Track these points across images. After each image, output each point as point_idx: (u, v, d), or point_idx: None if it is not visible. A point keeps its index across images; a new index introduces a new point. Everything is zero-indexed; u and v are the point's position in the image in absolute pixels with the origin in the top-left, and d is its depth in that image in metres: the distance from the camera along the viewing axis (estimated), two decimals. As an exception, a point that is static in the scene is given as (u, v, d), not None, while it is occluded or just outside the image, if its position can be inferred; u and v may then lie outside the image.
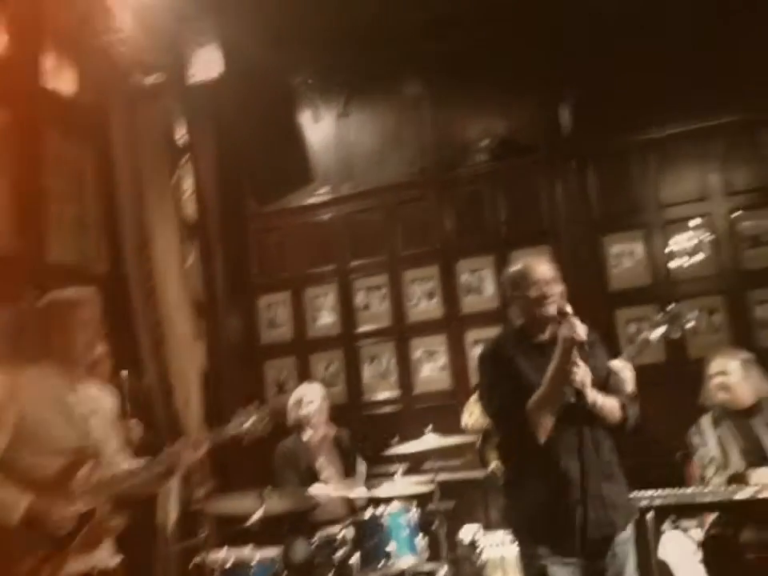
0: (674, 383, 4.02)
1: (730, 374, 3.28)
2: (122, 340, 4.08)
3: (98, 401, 2.51)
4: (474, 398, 3.67)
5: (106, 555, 2.52)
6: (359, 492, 3.79)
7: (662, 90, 4.29)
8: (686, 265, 4.34)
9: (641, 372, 3.30)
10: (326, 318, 5.14)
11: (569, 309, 2.23)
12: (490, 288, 4.75)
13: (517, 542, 2.41)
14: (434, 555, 3.57)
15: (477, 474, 3.93)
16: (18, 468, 2.21)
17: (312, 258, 5.19)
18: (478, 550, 3.73)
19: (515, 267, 2.43)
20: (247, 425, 2.56)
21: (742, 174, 4.35)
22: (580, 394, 2.18)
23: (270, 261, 5.31)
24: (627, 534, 2.33)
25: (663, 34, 4.31)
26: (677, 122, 4.41)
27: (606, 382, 2.35)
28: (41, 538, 2.17)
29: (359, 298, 5.07)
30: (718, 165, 4.35)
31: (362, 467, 3.80)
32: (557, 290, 2.32)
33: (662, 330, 3.15)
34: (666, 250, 4.40)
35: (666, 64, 4.28)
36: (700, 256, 4.32)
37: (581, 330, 2.16)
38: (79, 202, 4.54)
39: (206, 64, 4.31)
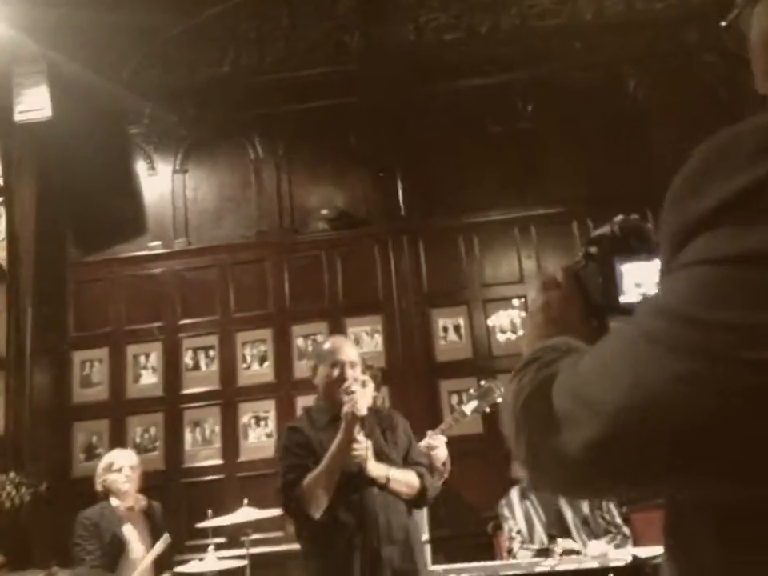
0: (491, 455, 4.21)
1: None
2: None
3: None
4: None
5: None
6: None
7: (488, 180, 4.69)
8: (503, 341, 4.64)
9: (460, 442, 3.46)
10: (148, 378, 4.85)
11: (354, 388, 2.41)
12: (322, 354, 4.76)
13: None
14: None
15: (296, 546, 3.81)
16: None
17: (138, 314, 4.91)
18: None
19: (326, 344, 2.67)
20: (9, 490, 2.35)
21: (554, 260, 4.78)
22: (360, 468, 2.33)
23: (89, 314, 4.95)
24: None
25: (485, 136, 4.76)
26: (497, 210, 4.80)
27: (408, 457, 2.51)
28: None
29: (187, 358, 4.86)
30: (533, 251, 4.76)
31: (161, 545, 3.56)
32: (356, 373, 2.52)
33: (474, 404, 3.34)
34: (487, 326, 4.68)
35: (493, 157, 4.70)
36: (517, 334, 4.63)
37: (361, 406, 2.35)
38: None
39: (35, 104, 4.04)
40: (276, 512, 3.49)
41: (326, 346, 2.65)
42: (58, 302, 4.93)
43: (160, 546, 3.53)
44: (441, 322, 4.73)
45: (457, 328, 4.71)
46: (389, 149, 4.88)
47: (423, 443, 2.87)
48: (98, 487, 3.72)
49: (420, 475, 2.49)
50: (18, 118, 4.18)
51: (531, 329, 0.84)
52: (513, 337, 4.58)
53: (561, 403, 0.60)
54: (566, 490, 1.25)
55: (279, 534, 4.12)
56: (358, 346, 4.72)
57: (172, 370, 4.83)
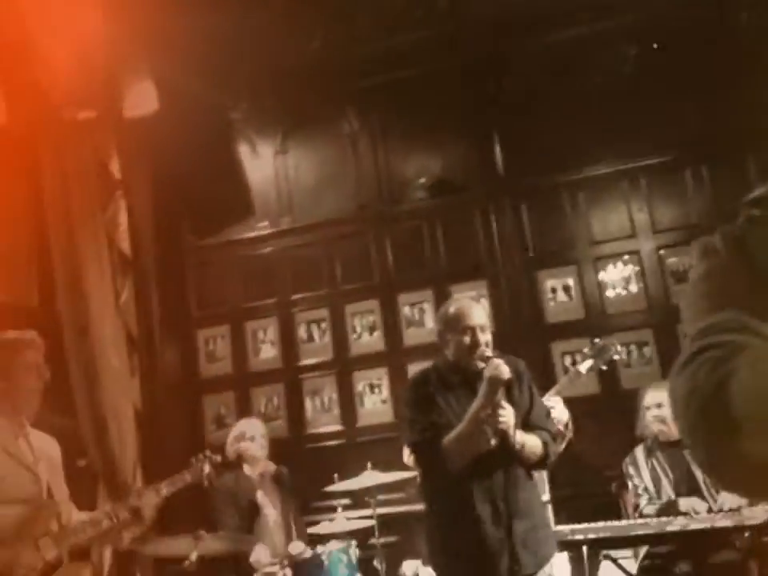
0: (608, 414, 4.15)
1: (662, 407, 3.39)
2: (54, 379, 3.96)
3: (43, 449, 2.45)
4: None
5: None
6: (297, 548, 3.75)
7: (591, 133, 4.50)
8: (616, 299, 4.51)
9: (577, 403, 3.44)
10: (267, 352, 5.10)
11: (490, 353, 2.34)
12: (430, 321, 4.81)
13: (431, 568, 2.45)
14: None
15: (419, 507, 3.93)
16: None
17: (252, 292, 5.15)
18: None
19: (451, 309, 2.49)
20: (207, 472, 2.57)
21: (667, 213, 4.56)
22: (504, 436, 2.25)
23: (208, 294, 5.25)
24: (546, 573, 2.38)
25: (586, 88, 4.54)
26: (605, 163, 4.61)
27: (529, 419, 2.43)
28: None
29: (301, 332, 5.06)
30: (644, 204, 4.55)
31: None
32: (487, 337, 2.41)
33: (589, 363, 3.29)
34: (598, 285, 4.56)
35: (595, 109, 4.49)
36: (630, 290, 4.49)
37: (504, 370, 2.26)
38: (10, 238, 4.41)
39: (142, 99, 4.26)
40: (399, 475, 3.62)
41: (452, 311, 2.48)
42: (180, 286, 5.26)
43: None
44: (549, 283, 4.65)
45: (566, 288, 4.61)
46: (484, 111, 4.79)
47: None
48: (231, 456, 3.98)
49: (545, 443, 2.42)
50: (127, 114, 4.44)
51: (694, 300, 0.77)
52: (625, 293, 4.46)
53: (747, 410, 0.58)
54: (753, 494, 1.23)
55: (400, 495, 4.22)
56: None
57: (288, 342, 5.05)
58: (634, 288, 4.49)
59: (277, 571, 3.31)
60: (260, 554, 3.54)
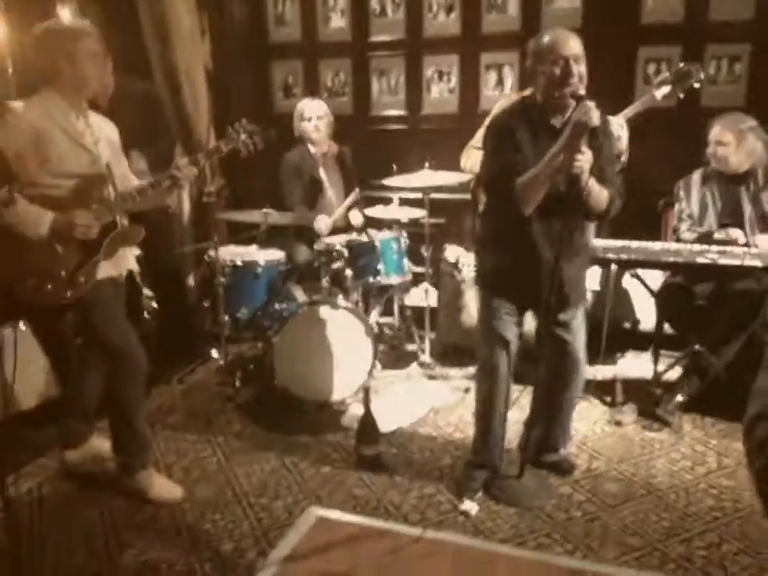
0: (680, 131, 4.01)
1: (727, 145, 3.28)
2: (127, 39, 3.98)
3: (103, 129, 2.63)
4: (472, 142, 3.71)
5: (132, 261, 2.87)
6: (356, 218, 4.10)
7: None
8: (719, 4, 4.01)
9: (650, 116, 3.31)
10: (337, 21, 4.88)
11: (583, 92, 2.23)
12: (514, 7, 4.44)
13: (479, 288, 2.68)
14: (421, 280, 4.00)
15: (467, 195, 4.12)
16: (38, 191, 2.40)
17: (326, -50, 4.73)
18: (459, 267, 4.14)
19: (545, 38, 2.34)
20: (243, 138, 2.73)
21: None
22: (574, 181, 2.25)
23: (279, -52, 4.86)
24: (579, 312, 2.62)
25: None
26: None
27: (601, 172, 2.40)
28: (72, 250, 2.47)
29: (373, 2, 4.76)
30: None
31: (352, 197, 4.03)
32: (581, 69, 2.28)
33: (667, 88, 3.13)
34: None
35: None
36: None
37: (594, 116, 2.17)
38: None
39: None
40: (454, 177, 3.76)
41: (545, 39, 2.33)
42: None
43: (351, 197, 4.02)
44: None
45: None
46: None
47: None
48: (296, 133, 4.15)
49: (610, 199, 2.42)
50: None
51: None
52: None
53: None
54: None
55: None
56: (554, 1, 4.35)
57: (359, 13, 4.80)
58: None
59: (335, 242, 3.68)
60: (321, 223, 3.92)
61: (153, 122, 4.24)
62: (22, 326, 3.16)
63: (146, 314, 3.61)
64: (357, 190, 4.04)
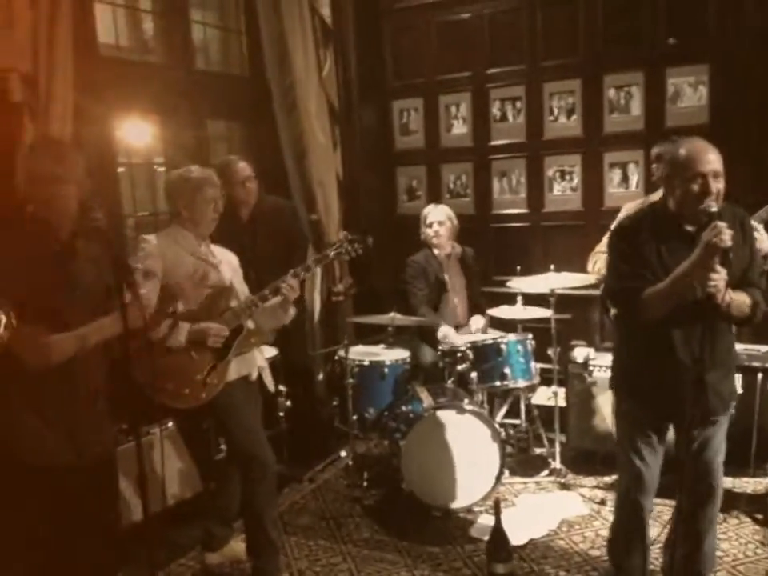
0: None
1: None
2: (268, 163, 4.36)
3: (224, 254, 2.92)
4: (599, 247, 3.69)
5: (260, 359, 3.05)
6: (477, 322, 4.15)
7: None
8: None
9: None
10: (459, 128, 5.11)
11: (716, 208, 2.16)
12: (636, 108, 4.46)
13: (614, 391, 2.58)
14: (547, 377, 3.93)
15: (595, 292, 4.03)
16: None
17: (447, 62, 5.02)
18: (589, 369, 4.02)
19: (681, 151, 2.27)
20: (346, 245, 2.96)
21: None
22: (710, 297, 2.14)
23: (404, 64, 5.22)
24: (723, 419, 2.45)
25: None
26: None
27: (744, 276, 2.31)
28: (205, 355, 2.68)
29: (494, 109, 4.95)
30: None
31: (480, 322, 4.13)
32: (719, 185, 2.22)
33: None
34: None
35: None
36: None
37: (726, 237, 2.08)
38: (220, 10, 4.58)
39: None
40: (580, 279, 3.74)
41: (683, 153, 2.25)
42: (377, 54, 5.24)
43: (479, 324, 4.12)
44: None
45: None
46: None
47: None
48: (421, 237, 4.32)
49: (754, 303, 2.30)
50: None
51: None
52: None
53: None
54: None
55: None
56: (679, 99, 4.34)
57: (480, 120, 5.00)
58: None
59: (460, 345, 3.73)
60: (447, 330, 3.99)
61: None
62: (170, 424, 3.40)
63: (280, 414, 3.77)
64: (486, 320, 4.13)
